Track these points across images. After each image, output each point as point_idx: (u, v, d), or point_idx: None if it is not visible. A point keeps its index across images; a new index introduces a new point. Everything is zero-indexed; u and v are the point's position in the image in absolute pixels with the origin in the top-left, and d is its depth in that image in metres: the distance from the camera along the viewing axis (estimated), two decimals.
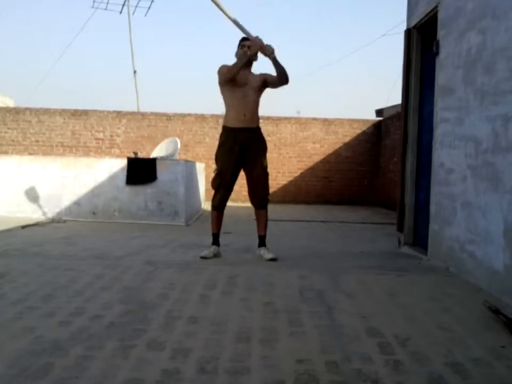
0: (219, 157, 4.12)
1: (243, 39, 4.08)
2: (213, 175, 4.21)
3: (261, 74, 4.14)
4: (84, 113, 11.91)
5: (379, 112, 12.76)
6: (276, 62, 3.95)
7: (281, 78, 4.01)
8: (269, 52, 3.92)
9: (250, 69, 4.12)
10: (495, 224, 3.04)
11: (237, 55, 4.09)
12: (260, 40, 3.93)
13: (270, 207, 4.25)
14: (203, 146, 11.75)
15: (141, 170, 6.73)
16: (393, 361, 1.94)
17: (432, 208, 4.12)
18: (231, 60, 4.11)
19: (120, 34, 56.41)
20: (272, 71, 4.05)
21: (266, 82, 4.11)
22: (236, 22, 4.01)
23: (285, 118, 12.09)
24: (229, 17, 4.02)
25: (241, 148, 4.03)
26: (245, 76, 4.05)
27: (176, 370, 1.81)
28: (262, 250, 4.10)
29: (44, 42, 52.49)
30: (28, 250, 4.20)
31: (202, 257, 3.99)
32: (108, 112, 11.94)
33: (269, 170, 4.23)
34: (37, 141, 11.82)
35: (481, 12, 3.37)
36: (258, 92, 4.13)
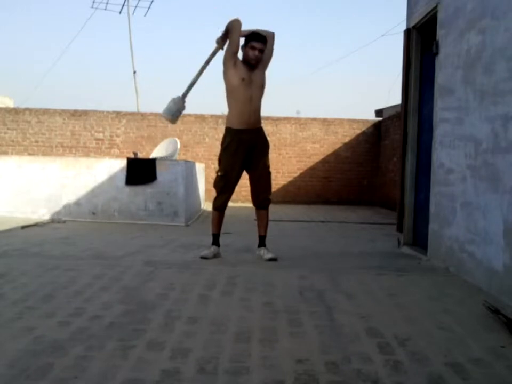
0: (224, 159, 4.05)
1: (251, 39, 3.92)
2: (214, 176, 4.18)
3: (262, 65, 4.03)
4: (84, 114, 11.92)
5: (379, 113, 12.79)
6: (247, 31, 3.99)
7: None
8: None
9: (256, 67, 3.99)
10: (494, 224, 3.04)
11: (242, 49, 3.99)
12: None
13: (270, 207, 4.24)
14: (203, 147, 11.76)
15: (140, 171, 6.73)
16: (393, 362, 1.94)
17: (432, 208, 4.12)
18: None
19: (120, 35, 56.45)
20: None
21: (265, 58, 4.02)
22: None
23: (285, 118, 12.10)
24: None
25: (247, 149, 4.00)
26: (250, 75, 3.96)
27: (176, 371, 1.81)
28: (262, 251, 4.10)
29: (44, 42, 52.51)
30: (28, 251, 4.20)
31: (202, 257, 3.99)
32: (108, 112, 11.94)
33: (269, 170, 4.21)
34: (37, 142, 11.82)
35: (481, 12, 3.37)
36: (263, 86, 4.05)
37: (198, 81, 4.18)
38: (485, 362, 1.97)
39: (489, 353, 2.06)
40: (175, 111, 4.17)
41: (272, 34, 4.07)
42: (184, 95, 4.20)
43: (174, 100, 4.16)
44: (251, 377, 1.78)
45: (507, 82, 2.98)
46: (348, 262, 4.11)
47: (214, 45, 4.08)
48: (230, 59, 3.95)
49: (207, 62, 4.12)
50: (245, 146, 3.99)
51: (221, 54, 4.06)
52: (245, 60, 3.98)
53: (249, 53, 3.93)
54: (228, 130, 4.07)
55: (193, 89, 4.20)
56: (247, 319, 2.44)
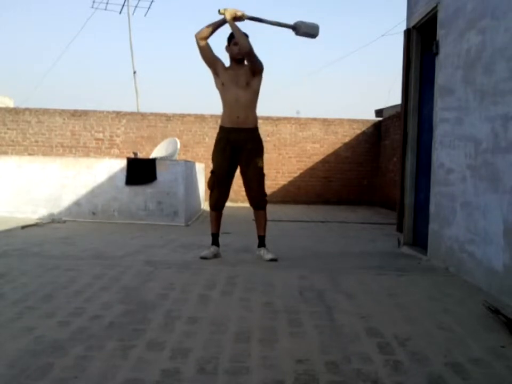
0: (214, 157, 4.14)
1: (232, 37, 4.00)
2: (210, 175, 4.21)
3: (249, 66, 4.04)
4: (84, 114, 11.92)
5: (379, 113, 12.78)
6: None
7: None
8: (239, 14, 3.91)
9: (241, 66, 4.04)
10: (494, 224, 3.04)
11: (227, 49, 4.06)
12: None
13: (270, 207, 4.25)
14: (202, 147, 11.75)
15: (140, 171, 6.73)
16: (393, 361, 1.94)
17: (432, 208, 4.12)
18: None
19: (120, 35, 56.44)
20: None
21: (251, 69, 4.02)
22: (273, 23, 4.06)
23: (285, 118, 12.09)
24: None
25: (234, 148, 4.03)
26: (235, 76, 4.00)
27: (176, 371, 1.81)
28: (262, 251, 4.09)
29: (44, 42, 52.49)
30: (28, 251, 4.20)
31: (202, 258, 3.99)
32: (108, 112, 11.94)
33: (268, 170, 4.23)
34: (37, 142, 11.82)
35: (481, 12, 3.37)
36: (252, 88, 4.02)
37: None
38: (485, 362, 1.97)
39: (489, 353, 2.06)
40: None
41: (247, 52, 3.96)
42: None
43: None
44: (251, 377, 1.78)
45: (507, 82, 2.98)
46: (348, 262, 4.11)
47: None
48: (209, 68, 4.07)
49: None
50: (232, 145, 4.03)
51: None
52: (233, 58, 4.04)
53: (233, 49, 4.02)
54: (220, 129, 4.16)
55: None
56: (247, 319, 2.44)
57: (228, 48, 4.06)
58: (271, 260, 3.96)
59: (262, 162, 4.13)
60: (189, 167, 7.34)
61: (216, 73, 4.06)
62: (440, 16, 4.11)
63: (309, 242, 5.26)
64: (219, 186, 4.09)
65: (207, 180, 4.22)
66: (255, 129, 4.14)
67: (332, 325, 2.38)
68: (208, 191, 4.27)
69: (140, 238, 5.26)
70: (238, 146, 4.03)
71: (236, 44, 3.98)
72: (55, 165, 6.98)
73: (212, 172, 4.13)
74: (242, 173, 4.14)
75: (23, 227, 5.66)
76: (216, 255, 4.08)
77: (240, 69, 4.04)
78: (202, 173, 9.38)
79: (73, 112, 11.93)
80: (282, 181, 11.85)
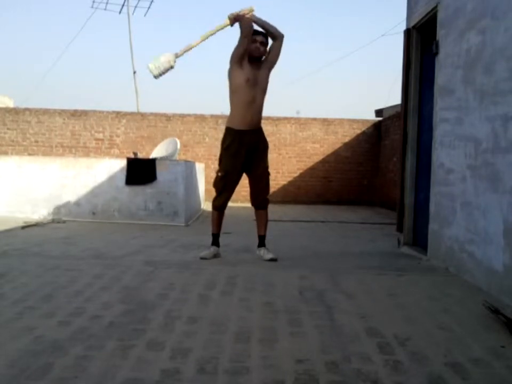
0: (225, 160, 4.04)
1: (254, 33, 3.94)
2: (214, 175, 4.17)
3: (264, 61, 4.04)
4: (84, 114, 11.91)
5: (379, 113, 12.77)
6: (261, 22, 3.92)
7: (274, 35, 3.97)
8: (247, 11, 3.86)
9: (259, 65, 4.00)
10: (494, 224, 3.04)
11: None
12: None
13: (270, 207, 4.24)
14: (203, 147, 11.75)
15: (140, 171, 6.73)
16: (392, 361, 1.94)
17: (432, 208, 4.12)
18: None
19: (120, 35, 56.47)
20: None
21: (271, 59, 4.03)
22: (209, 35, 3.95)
23: (285, 118, 12.09)
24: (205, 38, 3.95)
25: (248, 149, 4.00)
26: (255, 75, 3.95)
27: (176, 370, 1.81)
28: (262, 251, 4.09)
29: (44, 42, 52.51)
30: (28, 251, 4.20)
31: (202, 258, 3.99)
32: (108, 112, 11.93)
33: (268, 170, 4.21)
34: (37, 142, 11.81)
35: (481, 12, 3.37)
36: (265, 89, 4.05)
37: (196, 47, 3.98)
38: (485, 362, 1.97)
39: (489, 353, 2.06)
40: (161, 65, 3.94)
41: (281, 35, 4.02)
42: (178, 55, 3.98)
43: (165, 55, 3.94)
44: (251, 377, 1.78)
45: (507, 82, 2.98)
46: (348, 262, 4.11)
47: (225, 19, 3.94)
48: (237, 60, 3.92)
49: (212, 33, 3.95)
50: (246, 148, 3.99)
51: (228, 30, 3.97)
52: (250, 55, 3.96)
53: (251, 46, 3.94)
54: (229, 131, 4.04)
55: (189, 53, 4.00)
56: (247, 319, 2.44)
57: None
58: (271, 259, 3.96)
59: (268, 162, 4.17)
60: (189, 167, 7.34)
61: (241, 64, 3.93)
62: (440, 16, 4.11)
63: (309, 242, 5.26)
64: (228, 188, 4.07)
65: (214, 181, 4.12)
66: (262, 128, 4.16)
67: (332, 325, 2.38)
68: (209, 191, 4.27)
69: (140, 238, 5.26)
70: (253, 148, 4.01)
71: (254, 41, 3.91)
72: (55, 165, 6.98)
73: (222, 176, 4.03)
74: (251, 172, 4.11)
75: (23, 227, 5.66)
76: (216, 255, 4.08)
77: (259, 69, 3.99)
78: (202, 173, 9.39)
79: (73, 112, 11.93)
80: (282, 181, 11.84)
